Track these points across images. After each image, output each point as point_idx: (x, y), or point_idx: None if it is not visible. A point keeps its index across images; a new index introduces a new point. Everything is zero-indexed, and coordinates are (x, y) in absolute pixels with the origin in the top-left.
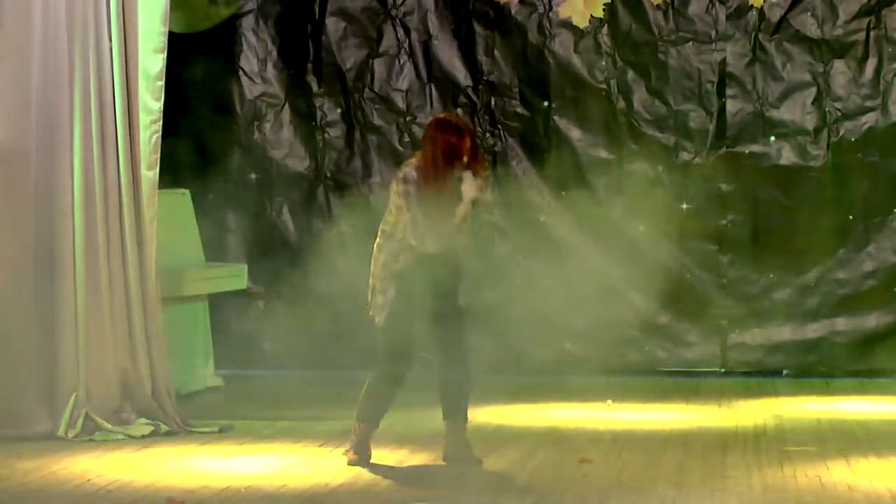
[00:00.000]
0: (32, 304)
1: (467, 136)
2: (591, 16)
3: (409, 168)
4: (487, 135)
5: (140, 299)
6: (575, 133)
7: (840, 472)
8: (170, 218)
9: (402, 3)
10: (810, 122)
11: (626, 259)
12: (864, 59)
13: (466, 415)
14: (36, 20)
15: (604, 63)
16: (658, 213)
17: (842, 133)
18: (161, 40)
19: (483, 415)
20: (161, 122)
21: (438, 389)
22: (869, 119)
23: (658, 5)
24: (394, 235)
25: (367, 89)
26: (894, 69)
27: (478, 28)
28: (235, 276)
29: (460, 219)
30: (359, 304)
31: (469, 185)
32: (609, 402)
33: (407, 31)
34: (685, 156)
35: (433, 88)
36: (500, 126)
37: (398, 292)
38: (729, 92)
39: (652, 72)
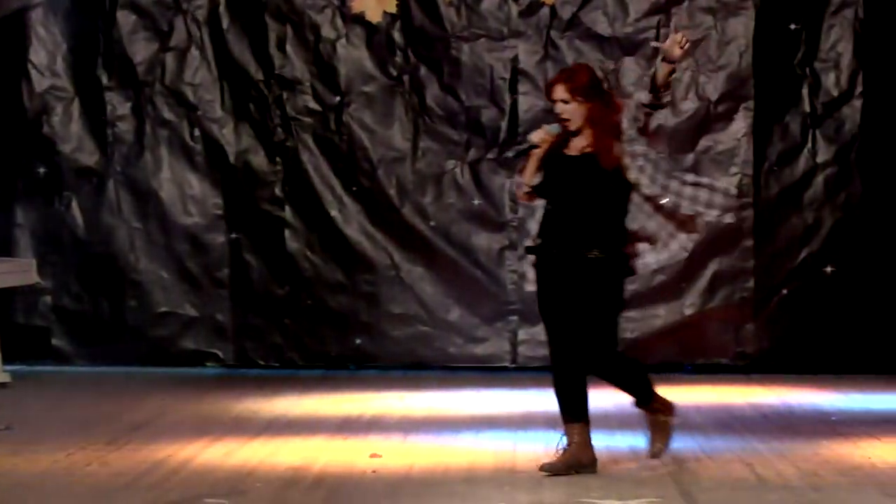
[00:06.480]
0: None
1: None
2: (384, 11)
3: None
4: (279, 129)
5: None
6: (367, 128)
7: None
8: None
9: None
10: None
11: (418, 253)
12: (654, 56)
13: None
14: None
15: (396, 58)
16: (449, 209)
17: None
18: None
19: (274, 408)
20: None
21: None
22: (658, 116)
23: (450, 2)
24: None
25: (157, 83)
26: (683, 67)
27: (270, 22)
28: (24, 271)
29: None
30: (148, 299)
31: None
32: (401, 396)
33: (198, 25)
34: (476, 152)
35: (224, 83)
36: (291, 121)
37: None
38: (521, 89)
39: (444, 68)
